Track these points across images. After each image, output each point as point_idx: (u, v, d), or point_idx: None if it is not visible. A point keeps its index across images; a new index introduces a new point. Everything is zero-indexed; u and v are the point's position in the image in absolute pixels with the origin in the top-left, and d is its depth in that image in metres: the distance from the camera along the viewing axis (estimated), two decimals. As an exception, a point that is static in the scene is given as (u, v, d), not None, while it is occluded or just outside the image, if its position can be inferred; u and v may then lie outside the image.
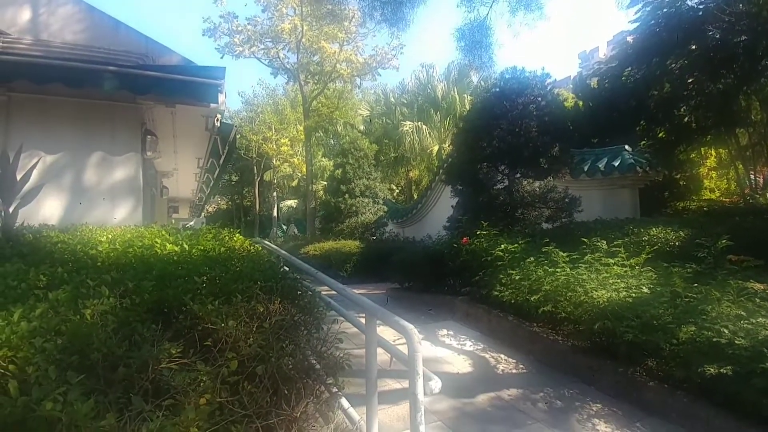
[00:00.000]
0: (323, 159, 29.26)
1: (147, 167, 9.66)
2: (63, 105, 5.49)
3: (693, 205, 10.99)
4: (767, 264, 3.91)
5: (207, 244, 3.26)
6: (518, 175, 6.91)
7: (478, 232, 5.87)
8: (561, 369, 4.14)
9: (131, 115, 6.03)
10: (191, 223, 20.38)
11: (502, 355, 4.61)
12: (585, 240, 4.85)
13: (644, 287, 4.05)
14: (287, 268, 3.41)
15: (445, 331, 5.50)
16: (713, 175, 15.57)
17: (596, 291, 4.12)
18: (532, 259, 5.05)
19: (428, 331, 5.53)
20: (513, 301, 4.84)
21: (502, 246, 5.32)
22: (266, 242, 4.47)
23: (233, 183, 49.63)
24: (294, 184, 37.25)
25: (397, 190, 29.92)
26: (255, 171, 37.22)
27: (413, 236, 14.31)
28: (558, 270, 4.71)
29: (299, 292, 2.73)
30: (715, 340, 3.01)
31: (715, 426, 2.92)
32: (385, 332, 5.22)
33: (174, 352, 1.79)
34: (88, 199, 5.62)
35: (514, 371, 4.23)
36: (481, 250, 5.68)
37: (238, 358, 1.77)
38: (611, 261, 4.50)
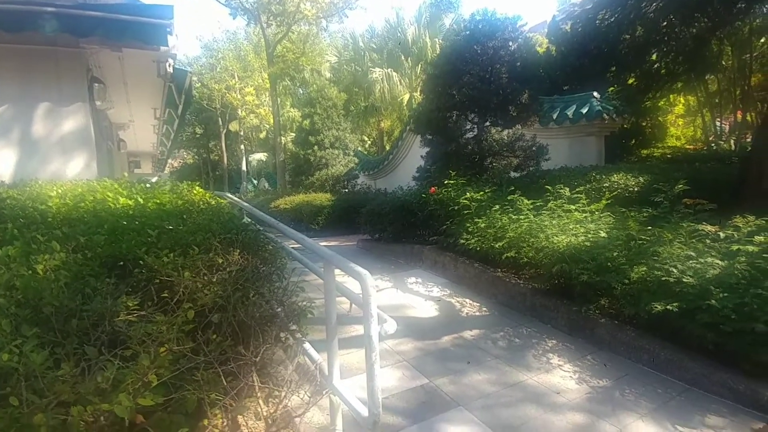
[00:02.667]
0: (292, 109, 28.30)
1: (100, 118, 9.12)
2: (2, 54, 5.06)
3: (657, 153, 11.36)
4: (721, 207, 4.14)
5: (163, 198, 3.19)
6: (487, 123, 6.91)
7: (446, 182, 5.94)
8: (521, 310, 4.40)
9: (76, 61, 5.62)
10: (154, 179, 19.65)
11: (467, 300, 4.84)
12: (549, 188, 4.99)
13: (602, 232, 4.27)
14: (249, 221, 3.39)
15: (413, 279, 5.70)
16: (680, 123, 16.03)
17: (557, 236, 4.31)
18: (497, 207, 5.19)
19: (397, 280, 5.71)
20: (479, 249, 5.02)
21: (469, 195, 5.43)
22: (230, 195, 4.40)
23: (198, 136, 47.70)
24: (262, 136, 36.13)
25: (369, 142, 29.51)
26: (220, 123, 35.79)
27: (385, 188, 14.33)
28: (522, 217, 4.87)
29: (262, 244, 2.74)
30: (664, 279, 3.24)
31: (660, 357, 3.22)
32: (351, 281, 5.37)
33: (131, 304, 1.80)
34: (38, 153, 5.33)
35: (477, 314, 4.47)
36: (449, 200, 5.78)
37: (196, 309, 1.79)
38: (572, 207, 4.67)
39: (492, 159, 7.14)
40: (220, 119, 35.29)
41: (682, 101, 14.70)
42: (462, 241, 5.23)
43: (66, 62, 5.50)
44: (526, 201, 5.12)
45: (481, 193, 5.46)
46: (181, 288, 1.88)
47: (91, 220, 2.46)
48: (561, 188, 4.93)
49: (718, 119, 14.28)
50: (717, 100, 13.04)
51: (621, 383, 3.09)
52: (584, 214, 4.69)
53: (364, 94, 18.64)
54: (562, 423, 2.63)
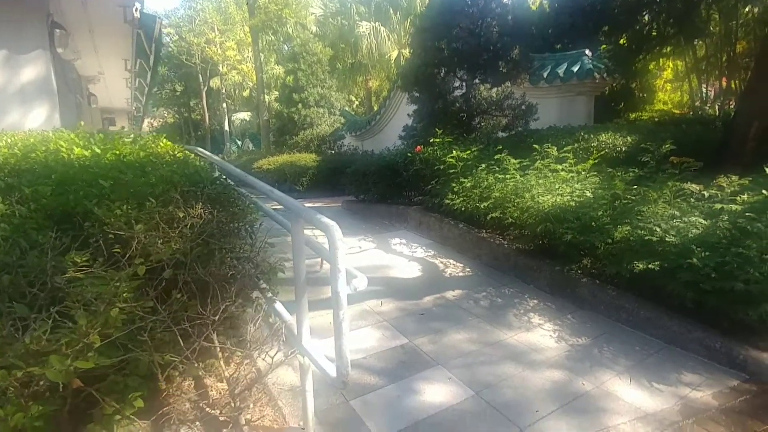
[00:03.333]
0: (276, 66, 27.14)
1: (66, 69, 8.55)
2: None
3: (645, 116, 11.25)
4: (706, 168, 4.05)
5: (124, 149, 2.95)
6: (476, 80, 6.63)
7: (432, 140, 5.74)
8: (505, 271, 4.35)
9: (34, 5, 5.15)
10: (130, 137, 18.91)
11: (451, 260, 4.78)
12: (536, 147, 4.84)
13: (587, 191, 4.17)
14: (220, 175, 3.18)
15: (397, 240, 5.60)
16: (668, 88, 15.89)
17: (542, 196, 4.20)
18: (484, 166, 5.05)
19: (381, 241, 5.61)
20: (464, 209, 4.91)
21: (455, 153, 5.25)
22: (201, 150, 4.15)
23: (178, 93, 45.83)
24: (246, 94, 34.87)
25: (357, 102, 28.70)
26: (200, 79, 34.35)
27: (372, 149, 14.00)
28: (508, 177, 4.74)
29: (230, 198, 2.56)
30: (647, 238, 3.18)
31: (640, 316, 3.20)
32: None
33: (79, 260, 1.64)
34: (-5, 103, 4.97)
35: (460, 274, 4.41)
36: (434, 159, 5.60)
37: (150, 265, 1.64)
38: (559, 167, 4.55)
39: (480, 118, 6.92)
40: (200, 76, 33.81)
41: (671, 66, 14.54)
42: (447, 201, 5.10)
43: (24, 6, 5.04)
44: (512, 160, 4.97)
45: (468, 152, 5.29)
46: (134, 243, 1.71)
47: (40, 171, 2.24)
48: (548, 147, 4.78)
49: (704, 85, 14.20)
50: (704, 66, 12.90)
51: (600, 341, 3.08)
52: (571, 174, 4.58)
53: (350, 51, 17.87)
54: (540, 380, 2.61)
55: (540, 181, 4.52)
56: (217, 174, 3.12)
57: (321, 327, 3.20)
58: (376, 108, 18.47)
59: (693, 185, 3.52)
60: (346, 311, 1.53)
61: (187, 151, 3.78)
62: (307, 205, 8.72)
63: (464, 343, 3.06)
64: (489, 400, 2.43)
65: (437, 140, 5.68)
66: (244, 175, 3.12)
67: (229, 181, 3.00)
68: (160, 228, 1.88)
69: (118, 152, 2.73)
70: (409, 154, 6.14)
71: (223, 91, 32.03)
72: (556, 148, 4.85)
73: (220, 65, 28.85)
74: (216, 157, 3.60)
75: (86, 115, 11.19)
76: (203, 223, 2.10)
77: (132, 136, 3.40)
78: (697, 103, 13.62)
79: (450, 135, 5.98)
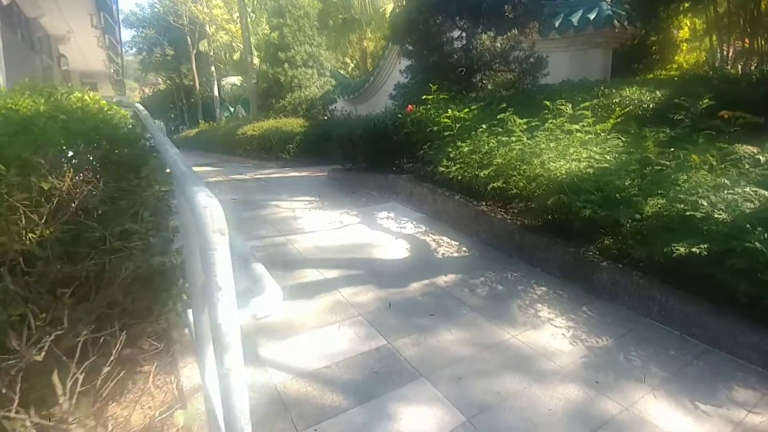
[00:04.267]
0: (267, 26, 25.70)
1: (29, 27, 7.71)
2: None
3: (663, 75, 10.38)
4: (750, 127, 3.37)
5: (22, 103, 2.28)
6: (479, 29, 5.81)
7: (425, 97, 5.00)
8: (507, 251, 3.75)
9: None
10: (114, 99, 18.04)
11: (445, 238, 4.17)
12: (548, 103, 4.14)
13: (609, 156, 3.51)
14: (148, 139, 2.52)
15: (385, 214, 4.98)
16: (684, 47, 14.91)
17: (554, 162, 3.55)
18: (484, 128, 4.36)
19: (366, 215, 4.98)
20: (461, 178, 4.26)
21: (451, 113, 4.54)
22: (140, 106, 3.46)
23: (170, 58, 44.27)
24: (236, 57, 33.39)
25: (352, 65, 27.38)
26: (189, 42, 32.86)
27: (367, 114, 13.16)
28: (513, 140, 4.07)
29: (136, 165, 1.91)
30: (688, 213, 2.55)
31: (675, 310, 2.62)
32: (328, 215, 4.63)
33: None
34: None
35: (455, 255, 3.81)
36: (428, 120, 4.89)
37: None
38: (575, 127, 3.86)
39: (482, 75, 6.14)
40: (189, 38, 32.33)
41: (688, 24, 13.58)
42: (441, 168, 4.44)
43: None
44: (518, 120, 4.28)
45: (466, 110, 4.58)
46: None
47: None
48: (562, 104, 4.07)
49: (725, 43, 13.27)
50: (725, 22, 11.95)
51: (625, 343, 2.51)
52: (589, 136, 3.89)
53: (342, 5, 16.67)
54: (552, 401, 2.04)
55: (551, 145, 3.85)
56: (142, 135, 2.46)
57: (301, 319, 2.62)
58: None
59: (747, 146, 2.85)
60: (238, 354, 0.91)
61: (120, 109, 3.12)
62: (292, 174, 8.00)
63: (456, 346, 2.49)
64: (486, 429, 1.87)
65: (431, 98, 4.95)
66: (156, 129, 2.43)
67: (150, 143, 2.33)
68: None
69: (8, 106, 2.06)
70: (399, 116, 5.42)
71: (212, 54, 30.57)
72: (570, 106, 4.14)
73: (207, 26, 27.36)
74: (151, 122, 2.98)
75: (56, 77, 10.37)
76: (75, 198, 1.46)
77: (49, 89, 2.72)
78: (717, 63, 12.72)
79: (447, 93, 5.24)
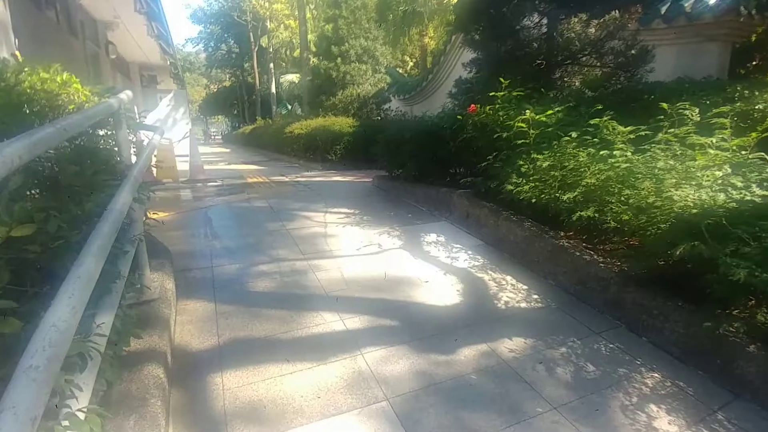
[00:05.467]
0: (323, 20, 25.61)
1: (59, 6, 7.62)
2: None
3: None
4: None
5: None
6: (566, 11, 4.77)
7: (494, 94, 4.09)
8: (597, 305, 2.79)
9: None
10: (170, 96, 18.62)
11: (509, 278, 3.26)
12: (665, 106, 3.10)
13: (756, 184, 2.45)
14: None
15: (434, 237, 4.13)
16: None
17: (678, 189, 2.54)
18: (573, 136, 3.39)
19: (410, 236, 4.16)
20: (534, 200, 3.34)
21: (528, 115, 3.61)
22: (124, 96, 2.87)
23: (233, 55, 46.10)
24: (296, 54, 33.90)
25: (411, 63, 26.64)
26: (251, 38, 33.84)
27: (424, 114, 12.37)
28: (614, 153, 3.08)
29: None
30: None
31: None
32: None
33: None
34: None
35: (523, 305, 2.89)
36: (495, 123, 3.99)
37: None
38: (707, 141, 2.81)
39: (564, 70, 5.12)
40: (251, 34, 33.25)
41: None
42: (510, 186, 3.53)
43: None
44: (621, 128, 3.29)
45: (549, 112, 3.63)
46: None
47: None
48: (686, 108, 3.03)
49: None
50: None
51: None
52: (724, 153, 2.83)
53: (403, -3, 15.94)
54: None
55: (671, 163, 2.82)
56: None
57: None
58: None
59: None
60: None
61: (103, 96, 2.58)
62: (335, 178, 7.30)
63: (528, 480, 1.61)
64: None
65: (501, 95, 4.03)
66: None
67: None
68: None
69: None
70: (459, 117, 4.55)
71: (270, 49, 31.15)
72: (697, 110, 3.08)
73: (268, 21, 27.82)
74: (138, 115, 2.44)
75: (103, 66, 10.48)
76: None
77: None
78: None
79: (522, 90, 4.30)
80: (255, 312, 2.74)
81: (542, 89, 4.43)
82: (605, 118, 3.46)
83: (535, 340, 2.46)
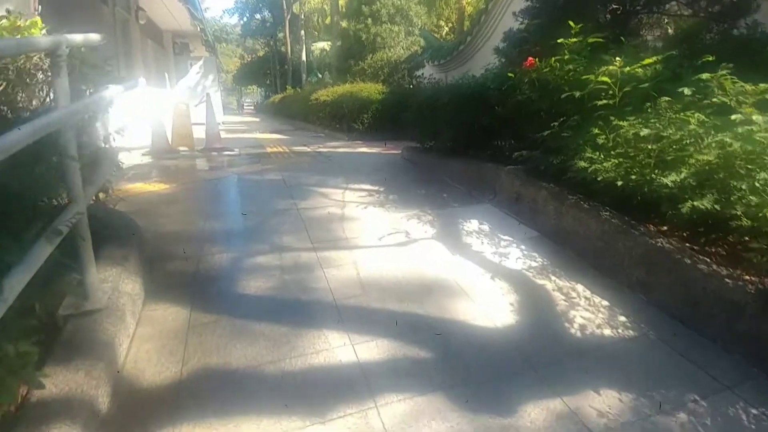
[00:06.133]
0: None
1: None
2: None
3: None
4: None
5: None
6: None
7: (562, 41, 3.10)
8: (722, 339, 1.91)
9: None
10: (200, 63, 18.04)
11: (580, 287, 2.40)
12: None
13: None
14: None
15: (475, 224, 3.29)
16: None
17: None
18: (687, 92, 2.43)
19: (447, 222, 3.33)
20: (621, 182, 2.42)
21: (616, 66, 2.64)
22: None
23: (268, 24, 45.35)
24: (328, 21, 32.63)
25: (446, 28, 24.93)
26: (284, 5, 32.79)
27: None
28: (738, 120, 2.12)
29: None
30: None
31: None
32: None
33: None
34: None
35: (607, 332, 2.04)
36: (561, 79, 3.03)
37: None
38: None
39: (641, 18, 4.03)
40: (284, 2, 32.19)
41: None
42: (583, 164, 2.62)
43: None
44: (748, 86, 2.31)
45: (648, 61, 2.64)
46: None
47: None
48: None
49: None
50: None
51: None
52: None
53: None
54: None
55: None
56: None
57: None
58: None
59: None
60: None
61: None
62: (361, 150, 6.31)
63: None
64: None
65: (573, 41, 3.03)
66: None
67: None
68: None
69: None
70: (510, 75, 3.59)
71: (302, 16, 29.98)
72: None
73: (299, -15, 26.56)
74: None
75: (134, 32, 9.87)
76: None
77: None
78: None
79: (598, 36, 3.28)
80: (239, 326, 2.02)
81: (621, 38, 3.39)
82: (722, 73, 2.46)
83: (635, 397, 1.63)
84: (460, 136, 4.30)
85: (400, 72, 10.70)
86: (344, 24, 11.81)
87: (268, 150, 7.25)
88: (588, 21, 3.59)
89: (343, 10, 13.03)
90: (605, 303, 2.27)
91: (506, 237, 3.05)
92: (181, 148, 6.74)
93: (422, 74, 12.30)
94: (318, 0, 28.35)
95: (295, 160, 6.03)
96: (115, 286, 1.86)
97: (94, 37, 1.97)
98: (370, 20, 10.59)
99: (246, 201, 3.89)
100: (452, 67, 12.32)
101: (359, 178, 4.73)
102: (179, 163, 5.77)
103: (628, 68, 2.58)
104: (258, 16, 43.68)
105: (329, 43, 34.25)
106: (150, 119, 6.56)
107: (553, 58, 3.08)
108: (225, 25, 52.96)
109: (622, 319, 2.14)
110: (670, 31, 4.12)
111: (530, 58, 3.30)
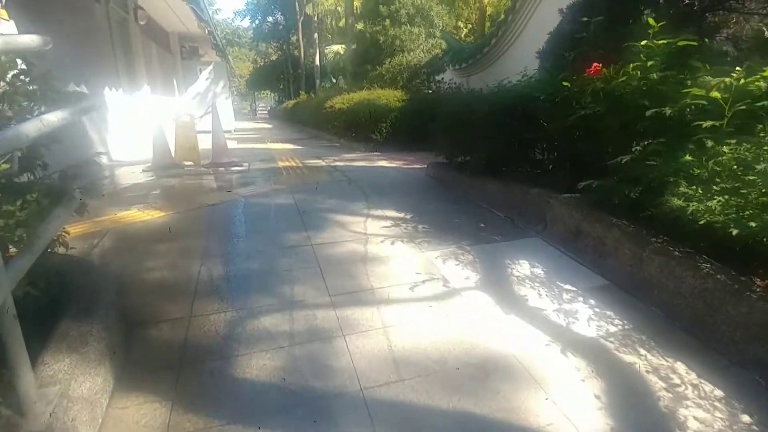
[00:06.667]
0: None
1: None
2: None
3: None
4: None
5: None
6: None
7: (645, 43, 2.53)
8: None
9: None
10: (210, 68, 17.85)
11: (682, 367, 1.85)
12: None
13: None
14: None
15: (526, 267, 2.74)
16: None
17: None
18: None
19: (491, 263, 2.79)
20: (733, 230, 1.86)
21: (733, 77, 2.06)
22: None
23: (281, 27, 45.58)
24: (342, 24, 32.43)
25: (465, 30, 24.37)
26: (297, 8, 32.74)
27: (481, 88, 10.66)
28: None
29: None
30: None
31: None
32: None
33: None
34: None
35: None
36: (640, 91, 2.46)
37: None
38: None
39: (715, 17, 3.45)
40: (296, 3, 32.11)
41: None
42: (675, 201, 2.06)
43: None
44: None
45: None
46: None
47: None
48: None
49: None
50: None
51: None
52: None
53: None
54: None
55: None
56: None
57: None
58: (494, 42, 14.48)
59: None
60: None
61: None
62: (380, 163, 5.49)
63: None
64: None
65: (660, 43, 2.45)
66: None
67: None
68: None
69: None
70: (564, 83, 3.04)
71: (316, 18, 29.75)
72: None
73: (313, -13, 26.32)
74: None
75: (133, 33, 9.54)
76: None
77: None
78: None
79: (689, 37, 2.70)
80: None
81: (705, 39, 2.82)
82: None
83: None
84: (499, 154, 3.76)
85: (420, 77, 10.19)
86: (360, 26, 11.35)
87: (280, 164, 6.80)
88: (661, 17, 3.02)
89: (358, 11, 12.58)
90: (718, 393, 1.71)
91: (568, 286, 2.50)
92: (186, 163, 6.34)
93: (442, 79, 11.78)
94: (332, 1, 28.10)
95: (309, 178, 5.55)
96: (65, 389, 1.37)
97: (26, 40, 1.48)
98: (388, 21, 10.11)
99: (252, 234, 3.40)
100: (474, 71, 11.75)
101: (381, 201, 4.22)
102: (181, 182, 5.34)
103: (742, 80, 2.02)
104: (270, 18, 43.74)
105: (343, 46, 34.09)
106: (153, 130, 6.17)
107: (631, 65, 2.52)
108: (237, 28, 53.26)
109: (746, 419, 1.57)
110: (746, 32, 3.52)
111: (595, 64, 2.76)
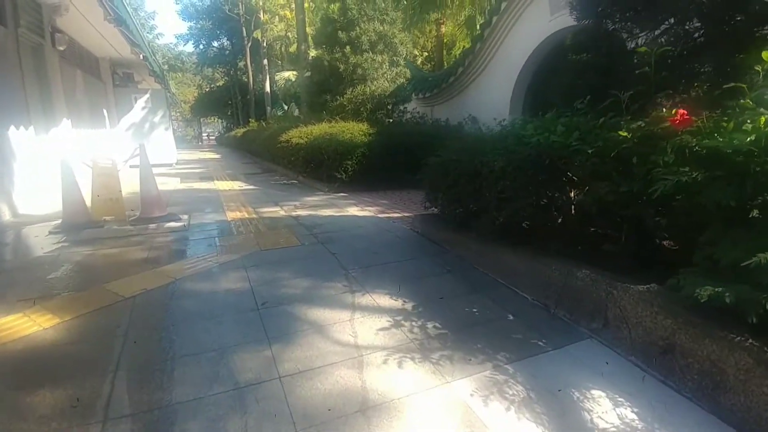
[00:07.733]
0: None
1: None
2: None
3: None
4: None
5: None
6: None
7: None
8: None
9: None
10: (146, 97, 16.41)
11: None
12: None
13: None
14: None
15: (607, 406, 1.87)
16: None
17: None
18: None
19: (551, 398, 1.87)
20: None
21: None
22: None
23: (227, 52, 44.59)
24: (293, 50, 31.81)
25: (421, 58, 24.39)
26: (244, 33, 31.91)
27: (446, 118, 10.14)
28: None
29: None
30: None
31: None
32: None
33: None
34: None
35: None
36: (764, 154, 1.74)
37: None
38: None
39: None
40: (244, 29, 31.29)
41: None
42: None
43: None
44: None
45: None
46: None
47: None
48: None
49: None
50: None
51: None
52: None
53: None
54: None
55: None
56: None
57: None
58: (447, 65, 14.17)
59: None
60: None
61: None
62: (351, 212, 4.40)
63: None
64: None
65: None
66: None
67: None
68: None
69: None
70: (623, 135, 2.30)
71: (264, 43, 28.91)
72: None
73: (261, 12, 25.57)
74: None
75: (50, 61, 8.23)
76: None
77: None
78: None
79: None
80: None
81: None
82: None
83: None
84: (521, 214, 2.96)
85: (384, 108, 9.48)
86: (314, 53, 10.59)
87: (229, 216, 5.70)
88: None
89: (311, 37, 11.83)
90: None
91: (656, 424, 1.66)
92: (106, 218, 5.12)
93: (406, 108, 11.17)
94: (281, 27, 27.41)
95: (267, 240, 4.51)
96: None
97: None
98: (348, 48, 9.37)
99: (185, 361, 2.28)
100: (438, 101, 11.28)
101: (368, 279, 3.26)
102: (95, 252, 4.13)
103: None
104: (215, 43, 42.61)
105: (295, 73, 33.37)
106: (62, 178, 4.93)
107: (762, 119, 1.79)
108: (180, 53, 51.59)
109: None
110: None
111: (680, 111, 2.03)
